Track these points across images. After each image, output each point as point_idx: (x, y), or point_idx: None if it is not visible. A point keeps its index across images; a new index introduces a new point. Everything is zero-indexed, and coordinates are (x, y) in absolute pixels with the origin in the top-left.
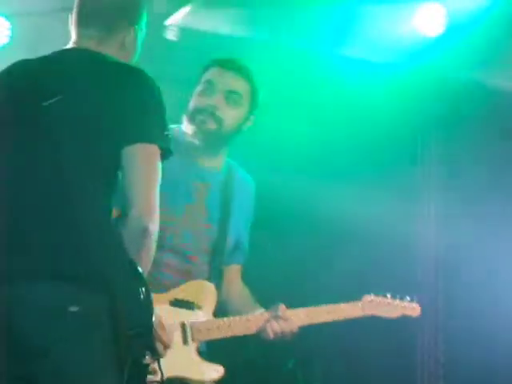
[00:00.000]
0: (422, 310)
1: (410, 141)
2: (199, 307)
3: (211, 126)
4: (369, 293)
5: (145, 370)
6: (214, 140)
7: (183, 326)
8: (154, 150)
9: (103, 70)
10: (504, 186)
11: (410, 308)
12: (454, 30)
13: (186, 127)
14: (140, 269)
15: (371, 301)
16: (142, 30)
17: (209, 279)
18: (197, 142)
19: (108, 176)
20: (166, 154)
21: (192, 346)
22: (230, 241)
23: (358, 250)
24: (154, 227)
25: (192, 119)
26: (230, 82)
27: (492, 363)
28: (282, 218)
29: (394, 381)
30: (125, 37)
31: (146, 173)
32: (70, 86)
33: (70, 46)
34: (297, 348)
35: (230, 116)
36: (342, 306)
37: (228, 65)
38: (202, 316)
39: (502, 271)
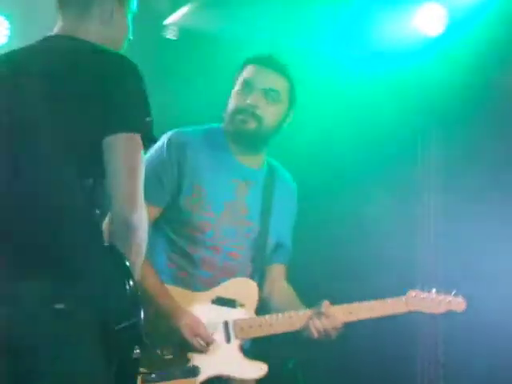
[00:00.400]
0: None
1: (409, 141)
2: (241, 305)
3: (251, 125)
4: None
5: (135, 364)
6: (255, 139)
7: (226, 324)
8: (135, 139)
9: (84, 60)
10: (504, 186)
11: (455, 303)
12: (454, 29)
13: (227, 127)
14: (127, 262)
15: (415, 296)
16: (129, 7)
17: (251, 277)
18: (237, 141)
19: (90, 168)
20: (149, 142)
21: (235, 344)
22: (272, 239)
23: (358, 250)
24: (138, 219)
25: (232, 119)
26: (267, 79)
27: (492, 363)
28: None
29: (394, 382)
30: (105, 11)
31: (126, 163)
32: (49, 78)
33: (54, 30)
34: (297, 348)
35: (270, 114)
36: (387, 301)
37: (264, 62)
38: (244, 314)
39: (502, 271)
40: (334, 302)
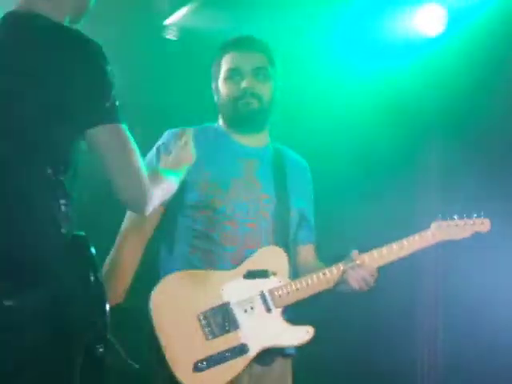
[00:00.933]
0: (422, 307)
1: (409, 141)
2: (274, 273)
3: (255, 105)
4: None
5: (100, 361)
6: (260, 117)
7: (262, 295)
8: (117, 127)
9: (46, 45)
10: (504, 186)
11: (479, 223)
12: (454, 30)
13: (228, 115)
14: (91, 251)
15: (440, 226)
16: None
17: (276, 244)
18: (241, 125)
19: (48, 157)
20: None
21: (277, 313)
22: (294, 212)
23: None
24: (148, 196)
25: (235, 106)
26: (251, 61)
27: (493, 365)
28: None
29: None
30: None
31: (120, 152)
32: (9, 62)
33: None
34: (297, 348)
35: (265, 91)
36: (414, 237)
37: (241, 46)
38: (278, 281)
39: (502, 271)
40: None
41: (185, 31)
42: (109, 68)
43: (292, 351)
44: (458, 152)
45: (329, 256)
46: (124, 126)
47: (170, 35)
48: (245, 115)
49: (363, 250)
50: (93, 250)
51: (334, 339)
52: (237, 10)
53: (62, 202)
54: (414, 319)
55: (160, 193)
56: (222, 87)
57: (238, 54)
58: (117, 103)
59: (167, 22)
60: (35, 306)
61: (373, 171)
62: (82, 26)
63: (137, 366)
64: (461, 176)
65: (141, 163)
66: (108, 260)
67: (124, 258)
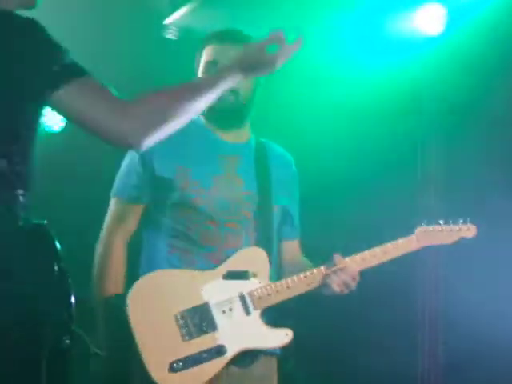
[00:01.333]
0: (422, 305)
1: (409, 141)
2: (254, 274)
3: (230, 99)
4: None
5: (65, 355)
6: (236, 112)
7: (242, 296)
8: (74, 83)
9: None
10: (504, 186)
11: (465, 229)
12: (454, 29)
13: (203, 112)
14: (53, 240)
15: (425, 231)
16: None
17: (257, 245)
18: (218, 120)
19: (12, 155)
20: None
21: (255, 316)
22: (277, 210)
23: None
24: (134, 127)
25: None
26: (229, 53)
27: (493, 365)
28: None
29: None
30: None
31: (83, 106)
32: None
33: None
34: (297, 348)
35: (243, 85)
36: (398, 242)
37: (221, 38)
38: (258, 283)
39: (502, 270)
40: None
41: (185, 31)
42: (45, 34)
43: (276, 351)
44: (458, 152)
45: (329, 255)
46: (84, 78)
47: (170, 35)
48: (220, 110)
49: (362, 249)
50: (55, 239)
51: (334, 339)
52: (237, 9)
53: (20, 192)
54: (414, 319)
55: (185, 104)
56: None
57: (218, 46)
58: (68, 61)
59: (167, 21)
60: None
61: (373, 170)
62: (82, 26)
63: (102, 355)
64: (461, 176)
65: (112, 100)
66: (98, 257)
67: (113, 252)
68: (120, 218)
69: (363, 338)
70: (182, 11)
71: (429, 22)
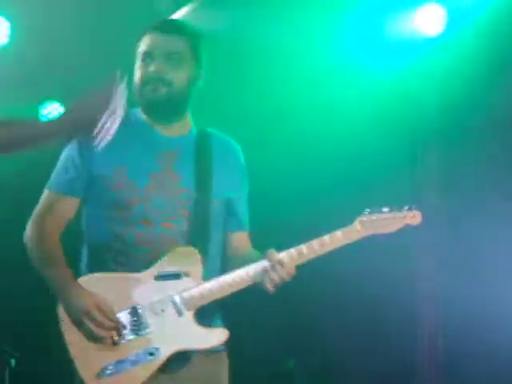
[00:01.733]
0: (423, 306)
1: (409, 143)
2: (187, 275)
3: (162, 91)
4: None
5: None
6: (170, 105)
7: (173, 297)
8: None
9: None
10: (504, 187)
11: (410, 216)
12: (454, 30)
13: (139, 101)
14: None
15: (367, 219)
16: None
17: (192, 244)
18: (153, 112)
19: None
20: None
21: (188, 316)
22: (218, 204)
23: (358, 251)
24: None
25: (141, 92)
26: (166, 44)
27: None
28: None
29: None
30: None
31: None
32: None
33: None
34: (297, 348)
35: (178, 77)
36: (337, 233)
37: (159, 28)
38: (191, 283)
39: (502, 270)
40: None
41: None
42: None
43: (220, 348)
44: (458, 152)
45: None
46: None
47: None
48: (151, 102)
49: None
50: None
51: (333, 339)
52: (237, 9)
53: None
54: (413, 319)
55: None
56: (135, 71)
57: (154, 36)
58: None
59: None
60: None
61: (373, 170)
62: (83, 26)
63: (17, 355)
64: (461, 176)
65: None
66: (36, 252)
67: (47, 239)
68: (52, 209)
69: (363, 338)
70: (182, 11)
71: (428, 22)
